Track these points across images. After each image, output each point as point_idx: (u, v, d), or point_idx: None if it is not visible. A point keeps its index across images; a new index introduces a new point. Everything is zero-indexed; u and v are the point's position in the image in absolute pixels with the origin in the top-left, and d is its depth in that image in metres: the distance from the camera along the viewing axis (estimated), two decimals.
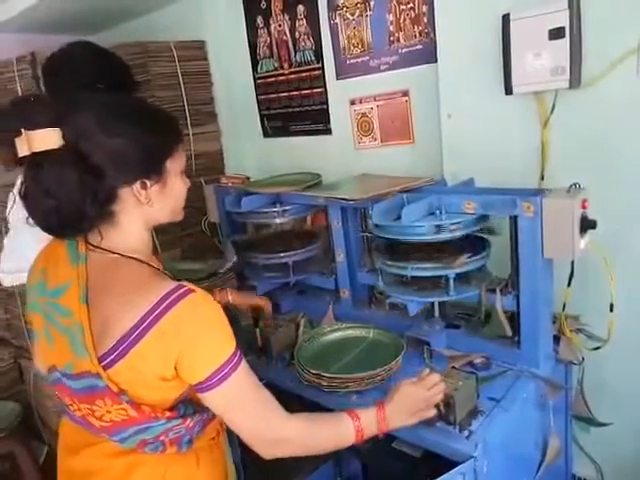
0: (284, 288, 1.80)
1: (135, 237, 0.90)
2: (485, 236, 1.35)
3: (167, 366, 0.82)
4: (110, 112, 0.85)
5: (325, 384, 1.26)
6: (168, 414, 0.87)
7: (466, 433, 1.07)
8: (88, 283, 0.85)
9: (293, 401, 1.50)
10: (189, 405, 0.92)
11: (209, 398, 0.85)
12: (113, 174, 0.82)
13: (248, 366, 0.88)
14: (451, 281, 1.29)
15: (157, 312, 0.79)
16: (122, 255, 0.87)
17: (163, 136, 0.89)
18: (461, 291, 1.30)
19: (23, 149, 0.78)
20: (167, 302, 0.80)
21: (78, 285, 0.84)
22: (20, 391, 2.26)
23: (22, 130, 0.78)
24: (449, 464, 1.03)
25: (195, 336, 0.82)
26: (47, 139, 0.78)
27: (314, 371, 1.28)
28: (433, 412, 1.03)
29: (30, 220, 0.83)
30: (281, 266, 1.71)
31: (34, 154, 0.78)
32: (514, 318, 1.28)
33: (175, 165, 0.91)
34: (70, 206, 0.79)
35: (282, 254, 1.69)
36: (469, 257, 1.28)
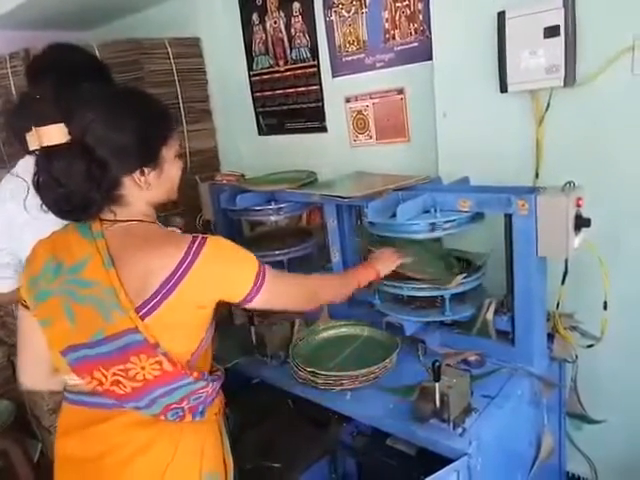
0: None
1: (144, 209, 0.99)
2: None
3: (209, 294, 0.95)
4: (111, 107, 0.92)
5: (320, 382, 1.26)
6: (195, 374, 0.95)
7: (460, 430, 1.07)
8: (110, 251, 0.92)
9: (287, 399, 1.52)
10: (206, 373, 1.01)
11: (255, 303, 1.00)
12: (116, 165, 0.90)
13: (272, 270, 1.02)
14: (447, 301, 1.30)
15: (189, 258, 0.90)
16: (137, 220, 0.97)
17: (159, 126, 0.97)
18: (457, 311, 1.33)
19: (33, 144, 0.87)
20: (195, 247, 0.91)
21: (100, 255, 0.91)
22: (13, 389, 2.24)
23: (32, 126, 0.86)
24: (443, 461, 1.03)
25: (227, 266, 0.96)
26: (54, 134, 0.86)
27: (309, 369, 1.28)
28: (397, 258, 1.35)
29: (44, 207, 0.92)
30: (276, 264, 1.70)
31: (44, 148, 0.87)
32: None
33: (170, 152, 0.99)
34: (78, 194, 0.89)
35: (277, 252, 1.69)
36: (465, 277, 1.29)
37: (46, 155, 0.87)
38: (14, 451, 2.04)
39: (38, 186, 0.90)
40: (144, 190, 0.96)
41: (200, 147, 2.28)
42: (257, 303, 1.00)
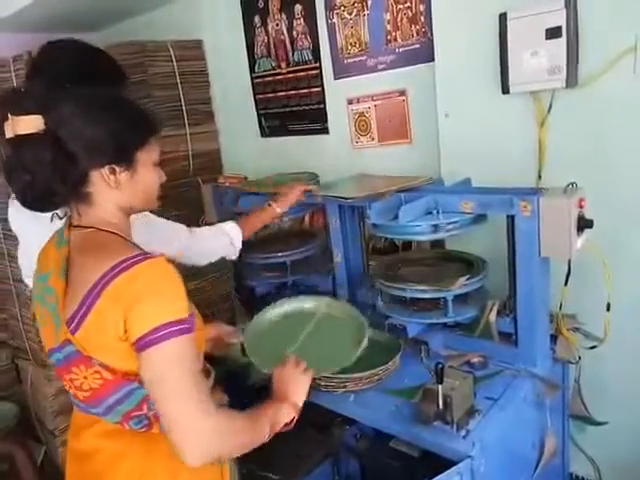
0: (281, 288, 1.80)
1: (110, 214, 0.96)
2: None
3: (118, 325, 0.83)
4: (88, 103, 0.93)
5: (323, 384, 1.26)
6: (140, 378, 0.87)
7: (463, 432, 1.07)
8: (69, 260, 0.92)
9: None
10: None
11: (145, 359, 0.82)
12: (84, 158, 0.90)
13: (193, 347, 0.85)
14: (449, 303, 1.30)
15: (114, 272, 0.84)
16: (97, 228, 0.94)
17: (135, 127, 0.97)
18: (460, 312, 1.33)
19: (9, 132, 0.89)
20: (125, 264, 0.84)
21: (59, 263, 0.92)
22: (18, 392, 2.25)
23: (9, 115, 0.88)
24: (446, 463, 1.03)
25: (144, 293, 0.83)
26: (30, 124, 0.88)
27: None
28: (308, 377, 1.11)
29: (14, 196, 0.93)
30: (279, 266, 1.71)
31: (17, 136, 0.88)
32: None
33: (146, 156, 0.98)
34: (42, 182, 0.89)
35: (280, 253, 1.69)
36: (467, 279, 1.29)
37: (18, 143, 0.89)
38: (18, 454, 2.04)
39: (7, 173, 0.91)
40: (113, 190, 0.94)
41: (203, 149, 2.28)
42: (149, 359, 0.81)
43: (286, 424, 1.03)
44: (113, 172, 0.93)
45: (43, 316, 0.96)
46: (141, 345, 0.81)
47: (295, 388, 1.08)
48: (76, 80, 1.10)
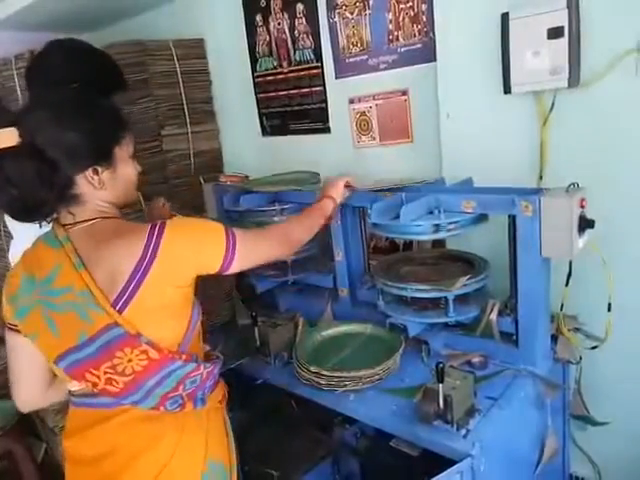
0: (283, 287, 1.80)
1: (103, 207, 0.99)
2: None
3: (184, 271, 0.95)
4: (59, 109, 0.94)
5: (323, 383, 1.26)
6: (184, 357, 0.96)
7: (463, 432, 1.07)
8: (79, 253, 0.94)
9: (290, 400, 1.52)
10: (198, 356, 1.02)
11: (233, 269, 1.01)
12: (66, 164, 0.92)
13: (240, 230, 1.03)
14: (450, 302, 1.30)
15: (154, 241, 0.91)
16: (102, 217, 0.98)
17: (110, 126, 0.99)
18: (461, 312, 1.33)
19: None
20: (157, 231, 0.93)
21: (69, 259, 0.93)
22: None
23: None
24: (447, 463, 1.03)
25: (194, 239, 0.96)
26: (5, 138, 0.88)
27: (313, 369, 1.28)
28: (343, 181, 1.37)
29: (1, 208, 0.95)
30: (280, 264, 1.71)
31: None
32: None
33: (123, 151, 1.01)
34: (30, 194, 0.90)
35: None
36: (468, 279, 1.29)
37: None
38: (18, 451, 2.04)
39: None
40: (98, 189, 0.97)
41: (204, 148, 2.28)
42: (236, 267, 1.01)
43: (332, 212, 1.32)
44: (96, 172, 0.95)
45: (52, 320, 0.94)
46: (225, 267, 1.00)
47: (334, 189, 1.34)
48: (65, 82, 1.10)
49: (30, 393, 1.06)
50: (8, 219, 1.30)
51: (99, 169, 0.96)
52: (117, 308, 0.90)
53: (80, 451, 1.02)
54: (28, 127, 0.90)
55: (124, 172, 1.01)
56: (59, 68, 1.23)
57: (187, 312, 1.00)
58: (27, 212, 0.94)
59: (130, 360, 0.92)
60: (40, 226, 1.00)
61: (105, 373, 0.93)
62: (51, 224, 1.00)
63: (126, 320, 0.90)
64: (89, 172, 0.95)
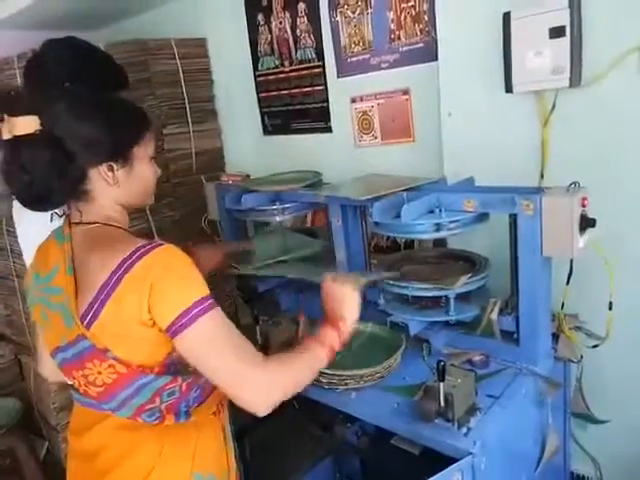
0: (284, 286, 1.80)
1: (110, 209, 0.98)
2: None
3: (142, 309, 0.85)
4: (83, 103, 0.93)
5: (324, 381, 1.27)
6: (157, 369, 0.91)
7: (464, 430, 1.07)
8: (74, 256, 0.93)
9: (291, 398, 1.52)
10: (180, 366, 0.94)
11: (182, 342, 0.85)
12: (82, 156, 0.91)
13: (224, 314, 0.89)
14: (451, 301, 1.30)
15: (129, 262, 0.85)
16: (102, 223, 0.95)
17: (131, 126, 0.98)
18: (462, 311, 1.33)
19: (5, 133, 0.89)
20: (138, 254, 0.86)
21: (64, 261, 0.93)
22: (20, 388, 2.27)
23: (5, 116, 0.89)
24: (448, 461, 1.03)
25: (164, 279, 0.85)
26: (26, 125, 0.88)
27: None
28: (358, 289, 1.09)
29: (12, 195, 0.94)
30: (279, 264, 1.71)
31: (15, 137, 0.88)
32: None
33: (142, 152, 0.99)
34: (42, 181, 0.89)
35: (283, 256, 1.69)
36: (469, 277, 1.29)
37: (15, 144, 0.89)
38: (21, 449, 2.05)
39: (5, 175, 0.92)
40: (112, 187, 0.95)
41: (205, 147, 2.29)
42: (185, 343, 0.85)
43: (340, 345, 1.04)
44: (111, 169, 0.94)
45: (47, 317, 0.97)
46: (175, 330, 0.84)
47: (345, 306, 1.06)
48: (74, 81, 1.11)
49: (51, 367, 1.08)
50: (15, 211, 1.31)
51: (114, 166, 0.94)
52: (84, 323, 0.87)
53: (82, 446, 1.02)
54: (49, 116, 0.89)
55: (141, 172, 0.99)
56: (59, 67, 1.23)
57: (165, 347, 0.90)
58: (37, 200, 0.93)
59: (100, 372, 0.90)
60: (51, 220, 1.01)
61: (81, 378, 0.95)
62: (54, 219, 1.01)
63: (92, 335, 0.87)
64: (104, 167, 0.94)
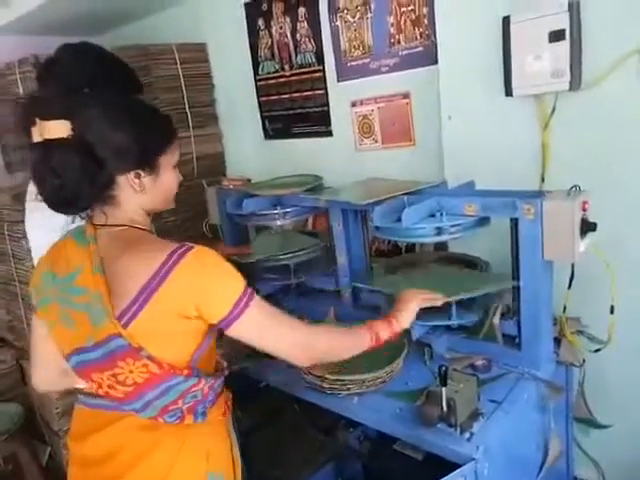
0: (286, 289, 1.80)
1: (135, 213, 1.00)
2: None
3: (187, 307, 0.91)
4: (115, 110, 0.95)
5: (327, 386, 1.26)
6: (186, 372, 0.95)
7: (467, 435, 1.07)
8: (101, 256, 0.94)
9: (294, 403, 1.52)
10: (201, 369, 1.00)
11: (235, 331, 0.94)
12: (111, 163, 0.93)
13: (260, 299, 0.97)
14: (453, 306, 1.30)
15: (169, 264, 0.89)
16: (130, 225, 0.98)
17: (159, 135, 1.01)
18: (464, 315, 1.32)
19: (37, 136, 0.91)
20: (176, 255, 0.90)
21: (91, 261, 0.94)
22: (22, 393, 2.26)
23: (37, 120, 0.90)
24: (450, 466, 1.03)
25: (208, 278, 0.92)
26: (58, 129, 0.90)
27: (317, 372, 1.28)
28: (418, 305, 1.20)
29: (39, 196, 0.95)
30: (282, 268, 1.71)
31: (46, 140, 0.90)
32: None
33: (168, 161, 1.02)
34: (71, 186, 0.91)
35: (283, 255, 1.69)
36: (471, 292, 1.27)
37: (47, 147, 0.90)
38: (23, 454, 2.05)
39: (35, 177, 0.94)
40: (138, 193, 0.98)
41: (206, 152, 2.29)
42: (238, 330, 0.94)
43: (388, 339, 1.14)
44: (138, 176, 0.97)
45: (69, 317, 0.96)
46: (227, 322, 0.93)
47: (403, 313, 1.17)
48: (95, 86, 1.11)
49: (45, 375, 1.09)
50: (28, 212, 1.30)
51: (142, 173, 0.97)
52: (122, 322, 0.89)
53: (85, 452, 1.02)
54: (82, 122, 0.90)
55: (166, 180, 1.02)
56: (78, 71, 1.23)
57: (196, 340, 0.97)
58: (65, 203, 0.95)
59: (131, 371, 0.92)
60: (73, 221, 1.02)
61: (108, 379, 0.95)
62: (76, 221, 1.02)
63: (129, 334, 0.90)
64: (131, 175, 0.96)
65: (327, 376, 1.26)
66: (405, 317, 1.17)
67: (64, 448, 1.98)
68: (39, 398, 2.15)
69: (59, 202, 0.94)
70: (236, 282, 0.95)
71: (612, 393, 1.46)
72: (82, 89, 0.96)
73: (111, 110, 0.94)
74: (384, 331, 1.12)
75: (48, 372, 1.07)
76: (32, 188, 1.31)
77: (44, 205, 0.96)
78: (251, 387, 1.47)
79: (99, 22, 2.46)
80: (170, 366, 0.93)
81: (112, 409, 0.98)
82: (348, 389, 1.25)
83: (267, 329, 0.98)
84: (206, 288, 0.91)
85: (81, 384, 1.02)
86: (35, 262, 1.42)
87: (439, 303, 1.23)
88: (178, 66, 2.16)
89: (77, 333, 0.95)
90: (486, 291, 1.28)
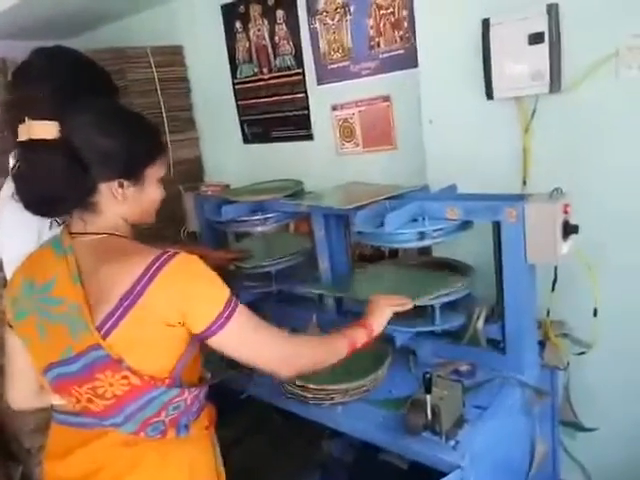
0: (267, 297, 1.76)
1: (115, 222, 0.98)
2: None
3: (171, 314, 0.89)
4: (105, 116, 0.95)
5: (310, 396, 1.23)
6: (167, 381, 0.92)
7: (452, 443, 1.05)
8: (79, 265, 0.92)
9: (275, 415, 1.48)
10: (184, 379, 0.97)
11: (218, 341, 0.92)
12: (96, 169, 0.91)
13: (245, 306, 0.96)
14: (437, 311, 1.29)
15: (152, 270, 0.88)
16: (110, 233, 0.96)
17: (148, 146, 0.99)
18: (447, 320, 1.31)
19: (23, 135, 0.89)
20: (159, 263, 0.88)
21: (68, 271, 0.91)
22: None
23: (25, 119, 0.88)
24: (437, 475, 1.01)
25: (193, 286, 0.91)
26: (46, 130, 0.88)
27: (299, 382, 1.25)
28: (390, 310, 1.20)
29: (15, 196, 0.93)
30: (264, 275, 1.68)
31: (32, 140, 0.89)
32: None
33: (154, 174, 1.00)
34: (52, 188, 0.90)
35: (264, 262, 1.66)
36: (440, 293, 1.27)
37: (32, 147, 0.89)
38: None
39: (16, 176, 0.92)
40: (119, 203, 0.96)
41: (184, 157, 2.25)
42: (221, 340, 0.92)
43: (363, 345, 1.13)
44: (121, 186, 0.94)
45: (45, 330, 0.93)
46: (210, 332, 0.91)
47: (376, 318, 1.17)
48: (76, 91, 1.08)
49: (22, 392, 1.06)
50: (5, 218, 1.24)
51: (126, 183, 0.95)
52: (102, 332, 0.87)
53: (60, 473, 0.98)
54: (71, 125, 0.89)
55: (149, 193, 1.00)
56: (50, 75, 1.19)
57: (179, 348, 0.94)
58: (43, 206, 0.93)
59: (111, 384, 0.89)
60: (50, 227, 0.99)
61: (86, 392, 0.91)
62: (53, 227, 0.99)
63: (109, 345, 0.87)
64: (115, 184, 0.94)
65: (310, 386, 1.23)
66: (380, 323, 1.17)
67: (36, 466, 1.91)
68: (10, 415, 2.07)
69: (37, 203, 0.92)
70: (221, 291, 0.93)
71: (597, 396, 1.46)
72: (65, 92, 0.95)
73: (103, 116, 0.94)
74: (360, 338, 1.12)
75: (23, 389, 1.04)
76: (6, 192, 1.26)
77: (18, 211, 0.93)
78: (232, 399, 1.42)
79: (73, 24, 2.40)
80: (151, 377, 0.90)
81: (91, 426, 0.95)
82: (332, 398, 1.22)
83: (249, 341, 0.96)
84: (191, 295, 0.90)
85: (56, 400, 0.99)
86: (8, 269, 1.35)
87: (409, 307, 1.23)
88: (154, 69, 2.12)
89: (52, 346, 0.92)
90: (445, 292, 1.28)
